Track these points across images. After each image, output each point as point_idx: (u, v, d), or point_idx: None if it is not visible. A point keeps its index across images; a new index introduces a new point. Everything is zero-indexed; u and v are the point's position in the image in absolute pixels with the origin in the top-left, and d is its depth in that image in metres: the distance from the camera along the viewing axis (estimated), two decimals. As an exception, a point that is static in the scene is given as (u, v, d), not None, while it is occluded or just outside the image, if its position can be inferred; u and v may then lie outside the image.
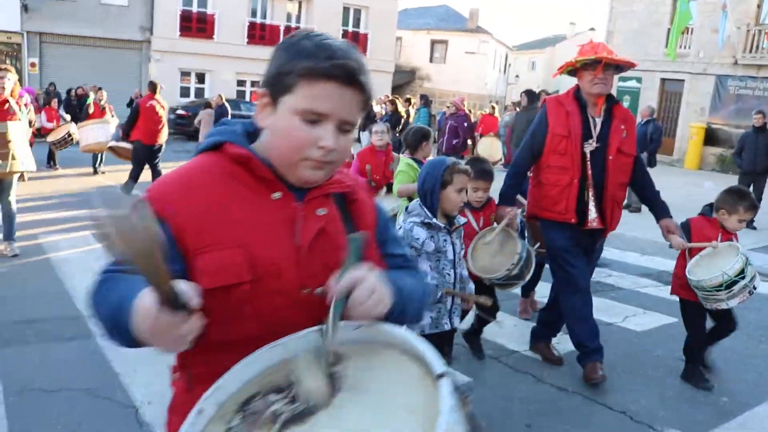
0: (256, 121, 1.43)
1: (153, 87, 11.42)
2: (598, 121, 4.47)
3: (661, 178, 11.59)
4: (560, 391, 4.46)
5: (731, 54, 23.60)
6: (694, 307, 4.61)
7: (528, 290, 5.97)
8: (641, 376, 4.85)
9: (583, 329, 4.57)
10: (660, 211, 4.58)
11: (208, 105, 17.58)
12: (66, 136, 12.33)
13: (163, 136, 11.18)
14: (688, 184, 18.27)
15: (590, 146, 4.40)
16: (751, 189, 11.03)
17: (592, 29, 43.07)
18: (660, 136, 13.24)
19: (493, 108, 18.32)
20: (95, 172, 13.55)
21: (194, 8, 27.93)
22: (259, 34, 29.46)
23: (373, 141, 6.53)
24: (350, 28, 32.32)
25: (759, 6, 23.63)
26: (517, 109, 18.08)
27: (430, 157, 5.35)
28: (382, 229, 1.59)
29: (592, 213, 4.47)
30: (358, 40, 32.42)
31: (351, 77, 1.36)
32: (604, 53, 4.32)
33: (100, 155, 13.58)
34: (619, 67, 4.44)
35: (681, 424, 4.05)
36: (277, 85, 1.36)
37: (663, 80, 26.16)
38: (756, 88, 23.49)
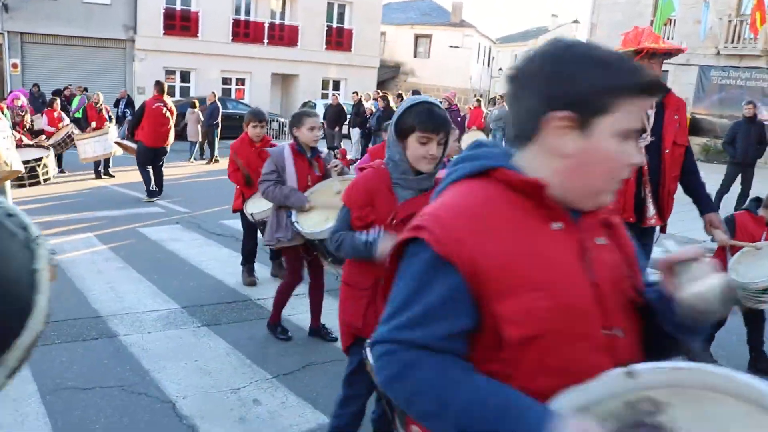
0: (553, 147, 1.26)
1: (161, 87, 11.11)
2: (651, 113, 4.23)
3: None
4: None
5: (713, 44, 23.93)
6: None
7: None
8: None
9: None
10: (705, 204, 4.42)
11: (193, 104, 17.52)
12: (66, 137, 12.26)
13: (169, 139, 10.97)
14: (674, 173, 18.51)
15: (644, 141, 4.16)
16: (739, 179, 11.29)
17: (576, 21, 43.35)
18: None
19: (479, 101, 18.49)
20: (98, 175, 13.39)
21: (178, 6, 27.78)
22: (243, 31, 29.37)
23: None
24: (335, 24, 32.30)
25: (739, -3, 23.97)
26: (503, 103, 18.30)
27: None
28: (640, 254, 1.45)
29: (651, 210, 4.27)
30: (343, 35, 32.46)
31: (658, 89, 1.30)
32: (647, 42, 4.10)
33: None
34: (667, 53, 4.17)
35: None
36: (590, 106, 1.23)
37: (646, 71, 26.40)
38: (738, 78, 23.86)
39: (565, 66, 1.25)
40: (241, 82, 29.98)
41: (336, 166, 4.88)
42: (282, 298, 5.00)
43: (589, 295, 1.24)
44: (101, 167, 13.32)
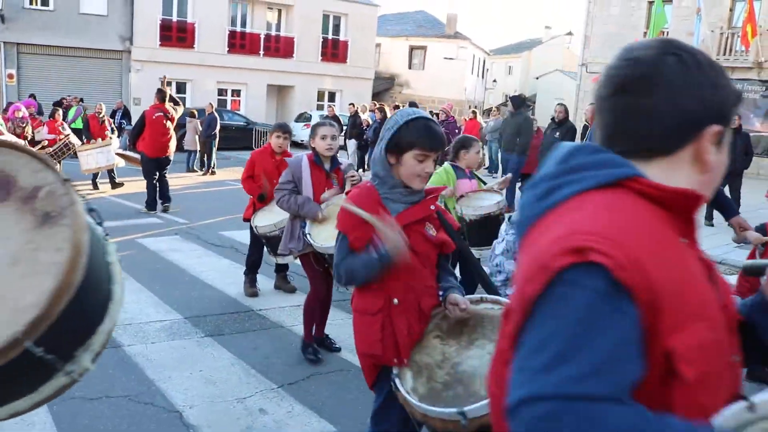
0: (702, 161, 1.17)
1: (162, 96, 10.85)
2: None
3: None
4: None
5: (706, 57, 24.14)
6: None
7: None
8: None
9: None
10: (730, 209, 4.47)
11: (192, 114, 17.58)
12: (63, 146, 12.25)
13: (171, 148, 10.82)
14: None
15: None
16: (727, 189, 11.42)
17: (570, 33, 43.70)
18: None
19: (474, 113, 18.62)
20: (95, 186, 13.32)
21: (174, 17, 27.90)
22: (239, 42, 29.51)
23: None
24: (330, 36, 32.47)
25: (731, 9, 24.26)
26: (499, 114, 18.45)
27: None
28: None
29: None
30: (338, 47, 32.62)
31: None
32: None
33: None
34: None
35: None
36: (728, 119, 1.19)
37: (640, 83, 26.64)
38: (731, 90, 24.07)
39: (713, 75, 1.17)
40: (236, 93, 30.07)
41: (353, 176, 4.86)
42: (310, 314, 4.83)
43: (723, 319, 1.13)
44: (98, 178, 13.29)
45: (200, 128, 16.94)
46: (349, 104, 18.91)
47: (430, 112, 18.61)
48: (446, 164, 5.44)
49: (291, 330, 5.43)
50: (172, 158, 11.07)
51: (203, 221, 10.13)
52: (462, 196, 5.24)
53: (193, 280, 6.93)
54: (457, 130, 12.26)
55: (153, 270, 7.23)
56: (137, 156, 11.01)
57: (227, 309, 5.98)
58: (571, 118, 13.06)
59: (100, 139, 12.91)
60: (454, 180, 5.24)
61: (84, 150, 12.21)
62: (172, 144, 10.85)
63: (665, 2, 23.61)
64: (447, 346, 2.55)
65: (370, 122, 15.58)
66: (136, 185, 12.66)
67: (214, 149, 17.15)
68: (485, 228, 5.12)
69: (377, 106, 15.29)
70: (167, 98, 10.94)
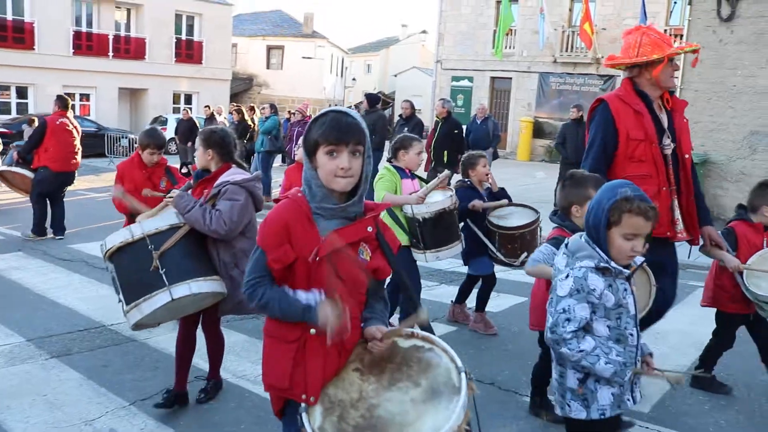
0: None
1: (63, 102, 9.43)
2: (663, 117, 4.03)
3: (500, 170, 12.51)
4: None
5: (551, 53, 25.63)
6: (741, 320, 4.58)
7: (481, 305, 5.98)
8: (504, 350, 5.35)
9: None
10: (703, 216, 4.16)
11: (31, 121, 16.41)
12: None
13: (77, 161, 9.44)
14: (522, 174, 19.75)
15: (669, 147, 3.93)
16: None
17: (424, 32, 44.83)
18: (499, 131, 14.27)
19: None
20: None
21: (8, 16, 25.92)
22: (85, 44, 27.94)
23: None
24: (183, 36, 31.49)
25: (571, 9, 25.88)
26: (359, 112, 18.61)
27: (422, 167, 5.41)
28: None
29: (680, 223, 4.01)
30: (193, 47, 31.70)
31: None
32: (676, 43, 3.91)
33: None
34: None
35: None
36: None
37: (492, 78, 27.87)
38: (574, 84, 25.74)
39: None
40: (85, 97, 28.48)
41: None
42: (182, 357, 4.18)
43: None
44: None
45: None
46: (205, 106, 18.41)
47: (288, 111, 18.49)
48: (387, 164, 5.29)
49: (145, 344, 5.20)
50: (75, 175, 9.66)
51: (50, 235, 9.47)
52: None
53: (39, 299, 6.48)
54: (313, 130, 12.27)
55: (-9, 291, 6.69)
56: (29, 174, 9.26)
57: (77, 327, 5.64)
58: (428, 113, 13.41)
59: None
60: (399, 180, 5.12)
61: None
62: (79, 157, 9.47)
63: (512, 2, 24.83)
64: (366, 382, 2.28)
65: (228, 124, 15.25)
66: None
67: None
68: (441, 225, 5.07)
69: (235, 107, 14.98)
70: (69, 106, 9.51)
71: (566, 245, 2.79)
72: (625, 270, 2.63)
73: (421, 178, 5.48)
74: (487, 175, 5.69)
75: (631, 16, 23.63)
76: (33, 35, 26.31)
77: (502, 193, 5.73)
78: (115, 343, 5.26)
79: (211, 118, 16.88)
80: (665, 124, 3.99)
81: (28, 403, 4.14)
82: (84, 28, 28.26)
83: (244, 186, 3.85)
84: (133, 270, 3.66)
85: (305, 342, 2.30)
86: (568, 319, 2.56)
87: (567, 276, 2.63)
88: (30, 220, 9.37)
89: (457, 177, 6.23)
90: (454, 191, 5.43)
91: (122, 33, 29.51)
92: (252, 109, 14.96)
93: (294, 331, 2.31)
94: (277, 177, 15.36)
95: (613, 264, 2.59)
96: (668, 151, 3.93)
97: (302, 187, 2.35)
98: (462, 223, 5.53)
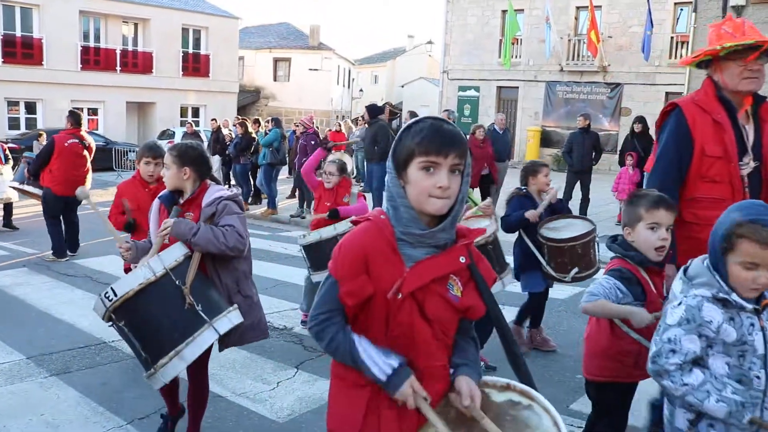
0: None
1: (76, 119, 9.00)
2: (749, 129, 3.34)
3: (508, 179, 12.45)
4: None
5: (557, 62, 25.58)
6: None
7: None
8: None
9: None
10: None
11: (40, 136, 16.52)
12: None
13: (87, 184, 8.77)
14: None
15: (748, 167, 3.27)
16: (578, 185, 12.13)
17: (430, 42, 44.83)
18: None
19: (339, 125, 18.74)
20: None
21: (18, 32, 26.16)
22: (93, 59, 28.15)
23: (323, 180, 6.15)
24: (191, 50, 31.67)
25: (576, 18, 25.83)
26: (365, 124, 18.62)
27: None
28: None
29: None
30: (200, 61, 31.87)
31: None
32: (755, 36, 3.15)
33: None
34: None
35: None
36: None
37: (499, 88, 27.83)
38: (581, 92, 25.65)
39: None
40: (93, 112, 28.63)
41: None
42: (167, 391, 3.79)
43: None
44: None
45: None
46: (212, 119, 18.46)
47: (294, 124, 18.52)
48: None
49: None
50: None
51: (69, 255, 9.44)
52: None
53: (41, 316, 6.47)
54: (313, 142, 12.18)
55: (-6, 308, 6.69)
56: (38, 192, 9.10)
57: (77, 344, 5.61)
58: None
59: None
60: None
61: None
62: (89, 179, 9.01)
63: (517, 11, 24.84)
64: None
65: (233, 137, 15.27)
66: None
67: None
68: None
69: (239, 120, 14.99)
70: (82, 122, 9.10)
71: (685, 270, 2.45)
72: (747, 304, 2.27)
73: (473, 201, 5.25)
74: (547, 185, 5.35)
75: (637, 23, 23.58)
76: (41, 51, 26.54)
77: (560, 206, 5.36)
78: (115, 360, 5.23)
79: (217, 131, 16.90)
80: (750, 138, 3.30)
81: (25, 423, 4.11)
82: (92, 43, 28.47)
83: (236, 201, 3.51)
84: (162, 313, 3.10)
85: (380, 389, 1.94)
86: (673, 350, 2.27)
87: (680, 303, 2.33)
88: (38, 237, 9.32)
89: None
90: (506, 204, 5.32)
91: (129, 47, 29.71)
92: (256, 122, 14.96)
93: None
94: (282, 188, 15.37)
95: (734, 296, 2.26)
96: (747, 171, 3.26)
97: (384, 207, 1.99)
98: (515, 235, 5.35)
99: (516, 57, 26.62)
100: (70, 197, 8.51)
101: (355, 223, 2.06)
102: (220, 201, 3.41)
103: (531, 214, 5.09)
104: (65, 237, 9.19)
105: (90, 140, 9.12)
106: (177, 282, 3.12)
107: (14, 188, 9.64)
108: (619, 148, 14.87)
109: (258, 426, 4.07)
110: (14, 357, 5.28)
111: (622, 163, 12.31)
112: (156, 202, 3.62)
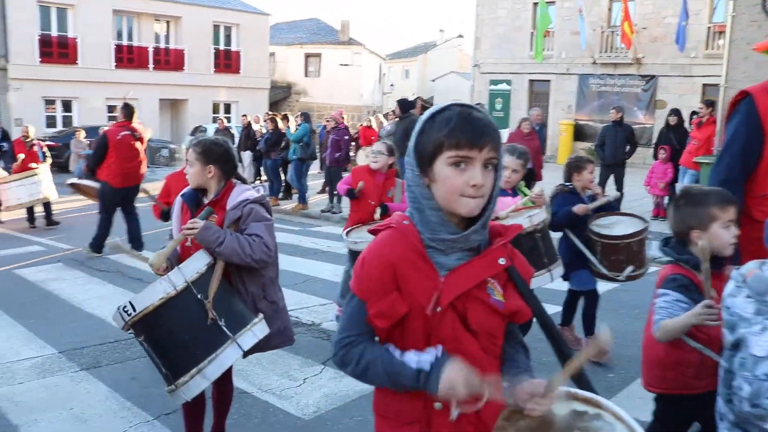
0: None
1: (129, 112, 9.10)
2: None
3: (546, 175, 12.31)
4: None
5: (590, 54, 25.19)
6: None
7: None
8: (540, 363, 5.15)
9: None
10: None
11: (77, 132, 16.84)
12: None
13: (142, 174, 9.12)
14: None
15: None
16: (612, 179, 11.92)
17: (461, 36, 44.67)
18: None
19: (370, 120, 18.71)
20: (32, 223, 11.53)
21: (54, 32, 26.64)
22: (126, 57, 28.53)
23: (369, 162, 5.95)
24: (222, 47, 31.90)
25: (610, 9, 25.40)
26: (395, 118, 18.56)
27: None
28: None
29: None
30: (231, 58, 32.09)
31: None
32: None
33: None
34: None
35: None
36: None
37: (531, 81, 27.52)
38: (614, 85, 25.23)
39: None
40: (127, 109, 28.98)
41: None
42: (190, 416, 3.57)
43: None
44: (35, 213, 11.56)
45: (84, 149, 16.18)
46: (242, 115, 18.57)
47: (325, 119, 18.54)
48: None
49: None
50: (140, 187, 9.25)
51: (126, 247, 9.53)
52: (497, 218, 4.27)
53: (74, 310, 6.56)
54: (347, 137, 12.20)
55: (28, 303, 6.79)
56: (95, 185, 8.88)
57: (108, 338, 5.66)
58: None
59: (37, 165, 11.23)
60: None
61: (4, 182, 10.75)
62: (144, 169, 9.21)
63: (549, 3, 24.50)
64: None
65: (263, 132, 15.34)
66: (16, 211, 11.94)
67: None
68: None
69: (269, 116, 15.04)
70: (135, 115, 9.17)
71: (744, 281, 2.09)
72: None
73: (523, 192, 4.98)
74: (591, 182, 5.17)
75: (671, 14, 23.09)
76: (76, 50, 26.98)
77: (610, 205, 5.18)
78: (144, 356, 5.21)
79: (248, 127, 17.00)
80: None
81: (54, 417, 4.15)
82: (125, 42, 28.85)
83: (263, 203, 3.29)
84: (183, 329, 2.91)
85: (429, 421, 1.71)
86: (749, 381, 1.96)
87: (764, 329, 1.96)
88: (74, 233, 9.44)
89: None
90: (550, 198, 5.07)
91: (162, 45, 30.04)
92: (285, 117, 15.01)
93: (413, 408, 1.73)
94: (312, 183, 15.39)
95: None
96: None
97: (407, 211, 1.75)
98: (561, 233, 5.13)
99: (548, 50, 26.28)
100: (129, 187, 8.82)
101: (373, 232, 1.81)
102: (246, 204, 3.21)
103: (580, 208, 4.88)
104: (127, 232, 9.22)
105: (142, 131, 9.16)
106: (199, 296, 2.93)
107: (72, 184, 9.61)
108: (654, 141, 14.60)
109: (283, 423, 4.06)
110: (47, 351, 5.35)
111: (656, 156, 12.07)
112: (178, 201, 3.40)
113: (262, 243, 3.10)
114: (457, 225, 1.67)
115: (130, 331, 3.07)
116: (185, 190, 3.42)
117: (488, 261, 1.71)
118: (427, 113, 1.68)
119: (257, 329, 3.09)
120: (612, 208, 5.17)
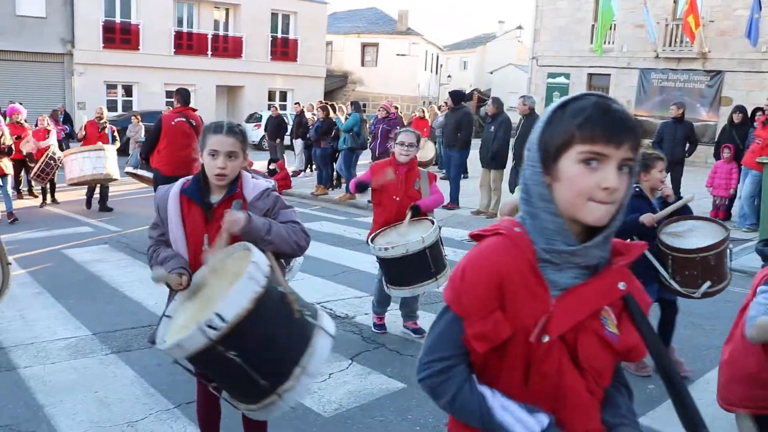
0: None
1: (184, 97, 8.66)
2: None
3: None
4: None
5: (653, 48, 24.40)
6: None
7: None
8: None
9: None
10: None
11: (135, 117, 17.19)
12: (48, 162, 10.84)
13: (195, 163, 8.19)
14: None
15: None
16: (669, 177, 11.46)
17: (520, 27, 43.90)
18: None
19: (423, 111, 18.53)
20: (20, 195, 12.17)
21: (117, 18, 27.27)
22: (186, 43, 29.02)
23: (396, 153, 5.25)
24: (279, 35, 32.12)
25: (675, 1, 24.51)
26: (448, 110, 18.33)
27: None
28: None
29: None
30: (288, 45, 32.28)
31: None
32: None
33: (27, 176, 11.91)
34: None
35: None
36: None
37: (590, 75, 26.85)
38: (677, 80, 24.37)
39: None
40: (185, 94, 29.49)
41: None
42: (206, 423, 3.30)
43: None
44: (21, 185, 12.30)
45: (142, 134, 16.46)
46: (295, 103, 18.62)
47: (378, 109, 18.44)
48: None
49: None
50: None
51: (136, 228, 9.76)
52: None
53: (113, 292, 6.63)
54: (398, 127, 12.03)
55: (72, 283, 6.90)
56: (150, 175, 8.74)
57: (141, 322, 5.69)
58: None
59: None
60: None
61: (69, 154, 10.87)
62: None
63: (612, -5, 23.79)
64: None
65: (315, 121, 15.33)
66: (74, 193, 12.23)
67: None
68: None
69: (321, 104, 15.01)
70: (190, 100, 8.72)
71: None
72: None
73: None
74: (662, 182, 4.61)
75: (742, 6, 22.11)
76: (138, 36, 27.57)
77: (682, 206, 4.56)
78: (174, 341, 5.26)
79: (301, 115, 17.03)
80: None
81: (79, 399, 4.16)
82: (185, 29, 29.33)
83: (276, 190, 2.98)
84: (277, 329, 2.49)
85: None
86: None
87: None
88: (123, 216, 9.54)
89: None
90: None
91: (220, 32, 30.42)
92: (332, 107, 14.96)
93: None
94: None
95: None
96: None
97: (519, 216, 1.52)
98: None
99: (609, 43, 25.56)
100: (181, 176, 8.46)
101: (475, 237, 1.56)
102: (269, 193, 2.87)
103: (648, 219, 4.23)
104: None
105: (198, 118, 8.76)
106: (279, 288, 2.51)
107: (129, 173, 9.55)
108: (716, 139, 14.01)
109: (302, 419, 3.97)
110: (81, 332, 5.40)
111: (717, 155, 11.55)
112: (175, 195, 2.87)
113: (300, 230, 2.82)
114: (576, 237, 1.43)
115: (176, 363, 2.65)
116: (187, 186, 2.91)
117: (607, 284, 1.46)
118: (557, 102, 1.47)
119: (326, 317, 2.73)
120: (686, 212, 4.60)
